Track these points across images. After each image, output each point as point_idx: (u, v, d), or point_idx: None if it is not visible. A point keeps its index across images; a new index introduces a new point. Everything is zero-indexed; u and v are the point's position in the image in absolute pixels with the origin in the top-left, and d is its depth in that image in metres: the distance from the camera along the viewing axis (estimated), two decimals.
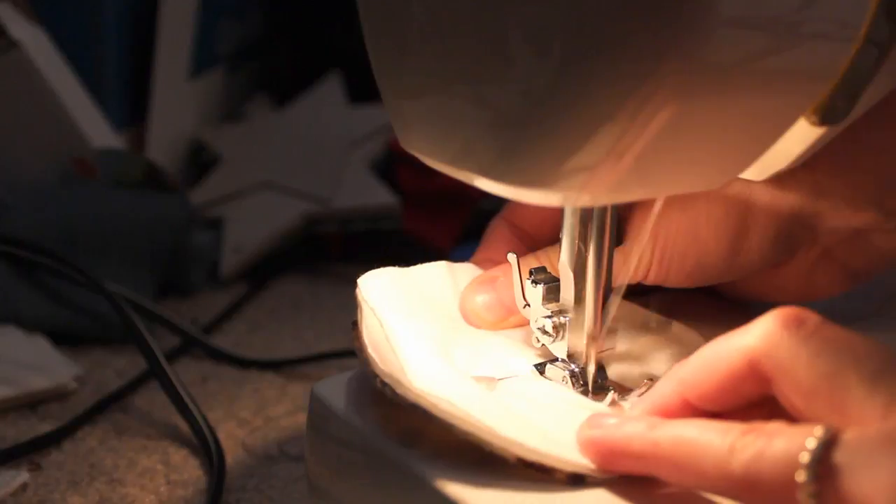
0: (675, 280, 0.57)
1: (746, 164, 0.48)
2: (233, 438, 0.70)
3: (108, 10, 0.99)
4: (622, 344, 0.56)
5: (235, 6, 1.19)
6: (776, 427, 0.43)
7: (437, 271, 0.58)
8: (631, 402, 0.52)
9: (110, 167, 0.93)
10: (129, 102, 1.03)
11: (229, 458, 0.67)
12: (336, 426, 0.52)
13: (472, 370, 0.54)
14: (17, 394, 0.72)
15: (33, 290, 0.82)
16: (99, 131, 0.95)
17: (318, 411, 0.53)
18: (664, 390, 0.48)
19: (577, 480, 0.47)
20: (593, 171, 0.44)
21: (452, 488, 0.46)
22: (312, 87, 1.13)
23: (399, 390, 0.49)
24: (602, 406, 0.52)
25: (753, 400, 0.46)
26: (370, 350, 0.51)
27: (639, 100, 0.42)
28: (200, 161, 1.09)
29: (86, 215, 0.87)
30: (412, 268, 0.58)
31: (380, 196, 1.01)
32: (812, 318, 0.45)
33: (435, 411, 0.47)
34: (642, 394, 0.52)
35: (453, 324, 0.56)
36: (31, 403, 0.73)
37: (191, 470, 0.66)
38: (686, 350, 0.56)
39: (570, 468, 0.47)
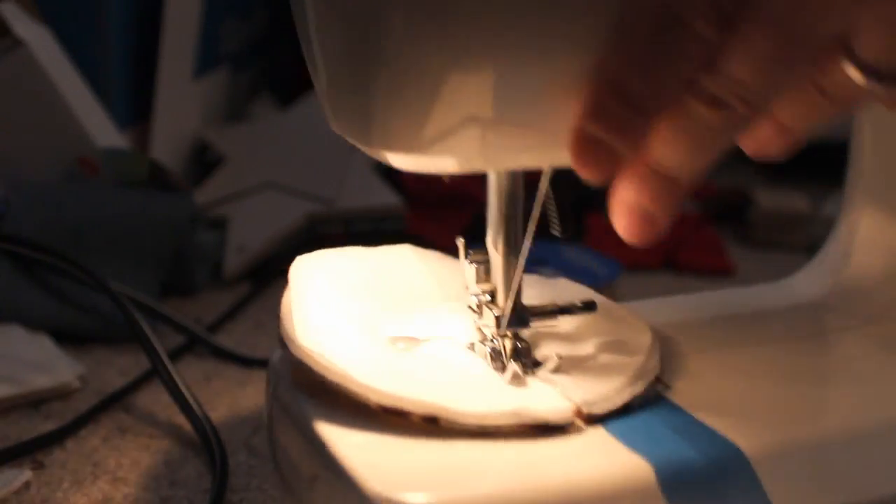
0: None
1: None
2: (236, 438, 0.70)
3: (112, 9, 1.00)
4: (566, 325, 0.57)
5: (240, 6, 1.20)
6: None
7: (399, 252, 0.62)
8: (539, 378, 0.53)
9: (114, 166, 0.93)
10: (134, 102, 1.03)
11: (232, 458, 0.67)
12: (274, 388, 0.56)
13: (396, 333, 0.56)
14: (20, 392, 0.72)
15: (37, 289, 0.83)
16: (103, 130, 0.96)
17: (269, 378, 0.57)
18: None
19: (431, 422, 0.49)
20: (454, 134, 0.46)
21: (324, 428, 0.49)
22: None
23: (291, 348, 0.53)
24: (494, 374, 0.53)
25: None
26: (280, 316, 0.55)
27: (466, 59, 0.44)
28: (204, 161, 1.09)
29: (90, 214, 0.87)
30: (376, 248, 0.62)
31: (383, 197, 1.01)
32: None
33: (313, 365, 0.51)
34: (553, 370, 0.53)
35: (396, 298, 0.59)
36: (35, 402, 0.73)
37: (194, 469, 0.66)
38: (624, 335, 0.56)
39: (422, 410, 0.49)
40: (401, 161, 0.48)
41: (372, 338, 0.55)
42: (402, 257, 0.62)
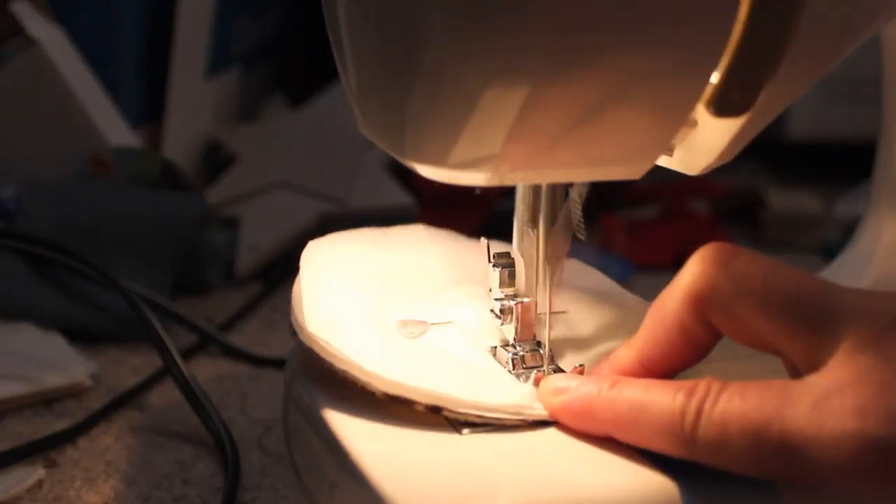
0: None
1: (654, 149, 0.48)
2: (248, 437, 0.70)
3: (125, 8, 1.00)
4: (588, 326, 0.57)
5: (252, 6, 1.20)
6: (707, 384, 0.45)
7: (412, 232, 0.63)
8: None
9: (127, 166, 0.93)
10: (146, 101, 1.04)
11: (244, 457, 0.67)
12: (289, 387, 0.56)
13: (406, 317, 0.56)
14: (33, 391, 0.72)
15: (50, 288, 0.83)
16: (116, 130, 0.96)
17: (285, 377, 0.57)
18: (622, 356, 0.50)
19: (434, 411, 0.50)
20: (487, 148, 0.45)
21: (343, 434, 0.49)
22: (328, 87, 1.14)
23: (300, 335, 0.53)
24: (501, 371, 0.54)
25: (706, 345, 0.48)
26: (292, 302, 0.56)
27: (505, 74, 0.43)
28: (216, 160, 1.10)
29: (102, 214, 0.87)
30: (389, 229, 0.63)
31: (395, 196, 1.01)
32: (735, 249, 0.47)
33: (321, 352, 0.51)
34: None
35: (408, 280, 0.59)
36: (47, 400, 0.73)
37: (206, 468, 0.66)
38: None
39: (426, 400, 0.50)
40: (432, 173, 0.48)
41: (381, 323, 0.55)
42: (415, 238, 0.62)
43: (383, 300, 0.57)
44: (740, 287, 0.46)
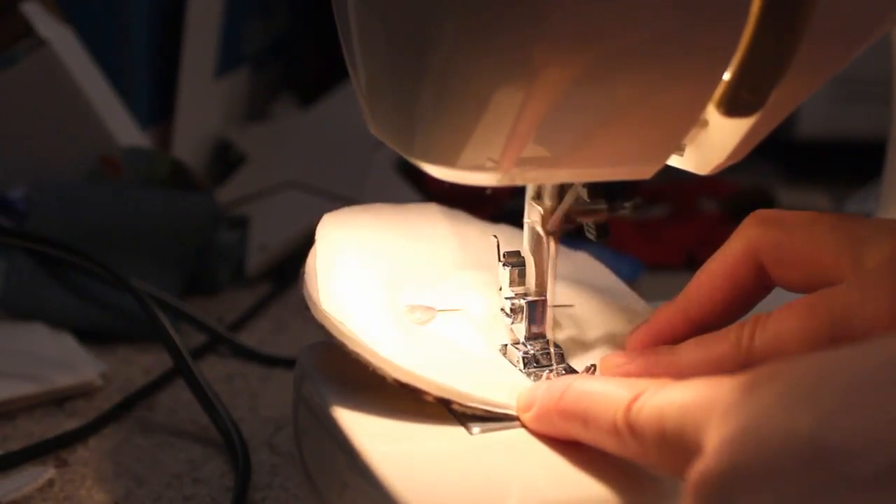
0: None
1: (666, 149, 0.48)
2: (258, 436, 0.70)
3: (135, 9, 1.00)
4: (599, 330, 0.57)
5: (261, 6, 1.20)
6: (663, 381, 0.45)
7: (427, 211, 0.64)
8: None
9: (137, 166, 0.93)
10: (156, 101, 1.04)
11: (254, 456, 0.67)
12: (299, 387, 0.56)
13: (415, 300, 0.56)
14: (43, 390, 0.73)
15: (60, 288, 0.83)
16: (126, 130, 0.96)
17: (295, 376, 0.57)
18: (666, 312, 0.52)
19: (444, 402, 0.50)
20: (497, 149, 0.46)
21: (353, 434, 0.49)
22: (337, 87, 1.14)
23: (312, 310, 0.53)
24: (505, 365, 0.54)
25: (752, 294, 0.52)
26: (305, 275, 0.56)
27: (516, 76, 0.43)
28: (226, 160, 1.10)
29: (113, 214, 0.88)
30: (403, 206, 0.63)
31: (404, 196, 1.01)
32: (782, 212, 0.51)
33: (334, 332, 0.52)
34: None
35: (420, 261, 0.59)
36: (58, 400, 0.73)
37: (216, 468, 0.67)
38: None
39: (437, 392, 0.50)
40: (441, 173, 0.48)
41: (392, 305, 0.55)
42: (429, 217, 0.63)
43: (395, 281, 0.57)
44: (790, 222, 0.50)
